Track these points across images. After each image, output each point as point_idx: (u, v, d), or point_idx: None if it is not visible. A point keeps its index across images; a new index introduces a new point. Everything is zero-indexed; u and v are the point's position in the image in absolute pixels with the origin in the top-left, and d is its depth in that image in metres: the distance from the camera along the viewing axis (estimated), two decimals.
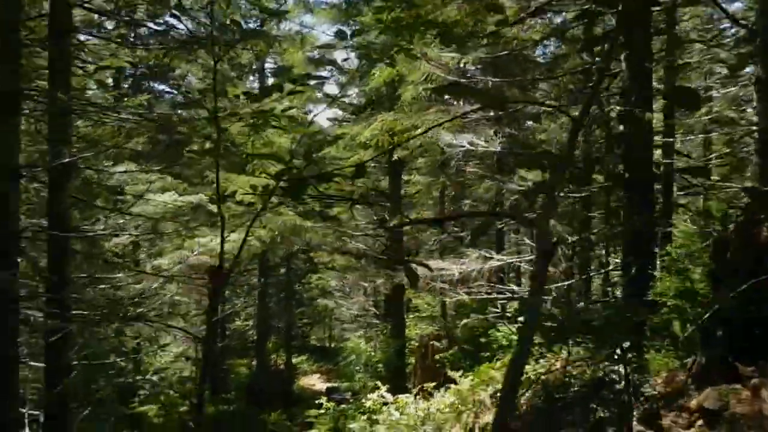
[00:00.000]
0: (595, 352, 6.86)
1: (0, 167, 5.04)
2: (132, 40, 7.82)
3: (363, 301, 25.80)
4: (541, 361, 7.88)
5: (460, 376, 8.12)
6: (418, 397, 9.29)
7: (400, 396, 9.32)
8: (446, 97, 9.84)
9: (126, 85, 14.18)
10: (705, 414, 5.01)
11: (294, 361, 27.23)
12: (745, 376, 5.01)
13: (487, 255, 8.04)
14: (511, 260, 8.06)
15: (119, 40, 7.67)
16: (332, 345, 35.31)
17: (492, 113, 9.32)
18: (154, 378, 17.01)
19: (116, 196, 11.18)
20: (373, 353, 11.38)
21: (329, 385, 26.54)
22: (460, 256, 8.59)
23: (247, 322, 26.57)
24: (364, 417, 9.99)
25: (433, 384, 9.67)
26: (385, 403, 9.77)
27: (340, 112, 20.55)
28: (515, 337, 9.27)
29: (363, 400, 10.55)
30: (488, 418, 6.88)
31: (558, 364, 7.47)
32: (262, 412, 19.85)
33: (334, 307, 25.11)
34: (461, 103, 9.74)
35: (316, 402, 12.93)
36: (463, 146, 9.68)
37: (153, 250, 14.10)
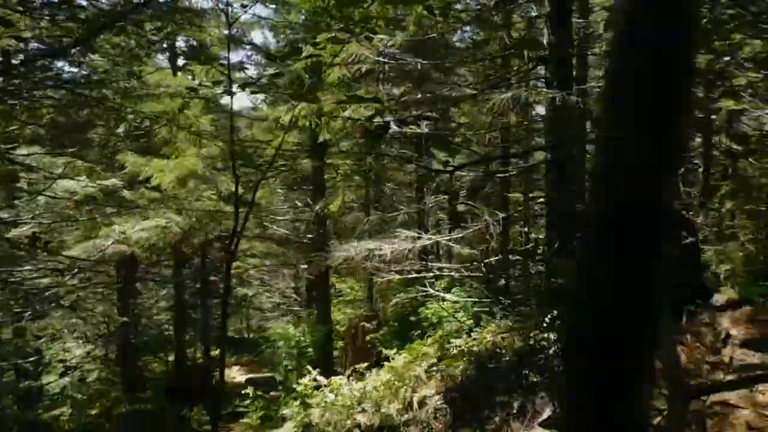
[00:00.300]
0: (521, 323, 7.23)
1: None
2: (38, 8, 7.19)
3: (283, 288, 25.51)
4: (473, 334, 8.19)
5: (394, 354, 8.24)
6: (351, 378, 9.34)
7: (333, 378, 9.32)
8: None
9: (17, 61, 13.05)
10: None
11: (212, 354, 26.50)
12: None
13: (417, 234, 8.17)
14: (440, 239, 8.25)
15: (20, 7, 7.01)
16: (250, 336, 34.67)
17: (419, 96, 9.45)
18: (64, 381, 16.02)
19: (15, 182, 10.37)
20: (302, 338, 11.28)
21: (250, 376, 26.11)
22: (390, 237, 8.67)
23: (160, 317, 25.51)
24: (297, 402, 9.92)
25: (366, 365, 9.75)
26: (318, 387, 9.75)
27: (260, 96, 20.02)
28: (444, 314, 9.53)
29: (294, 385, 10.47)
30: (425, 391, 7.05)
31: (488, 336, 7.78)
32: (182, 408, 19.18)
33: (253, 296, 24.61)
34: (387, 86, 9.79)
35: (243, 393, 12.73)
36: (390, 128, 9.75)
37: (56, 240, 13.20)
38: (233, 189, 13.44)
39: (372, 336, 10.15)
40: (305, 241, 14.76)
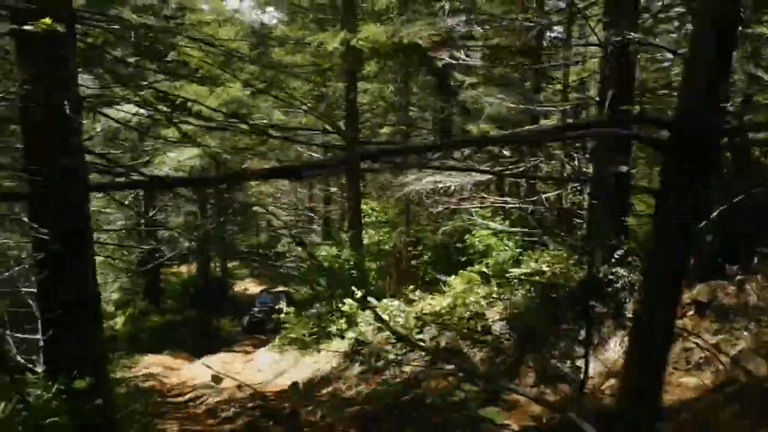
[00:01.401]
0: (583, 254, 7.65)
1: None
2: None
3: (299, 207, 25.94)
4: (524, 263, 8.65)
5: (449, 279, 8.70)
6: (399, 300, 9.87)
7: (384, 300, 9.86)
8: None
9: None
10: (696, 306, 5.90)
11: (229, 267, 27.36)
12: (730, 275, 5.91)
13: (476, 168, 8.40)
14: (500, 173, 8.52)
15: None
16: (260, 250, 35.46)
17: (477, 26, 9.37)
18: None
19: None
20: (346, 261, 11.74)
21: (263, 288, 27.10)
22: (446, 169, 8.89)
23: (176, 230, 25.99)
24: (343, 320, 10.51)
25: (411, 288, 10.28)
26: (367, 308, 10.30)
27: (274, 13, 19.40)
28: (491, 242, 9.96)
29: (339, 305, 11.03)
30: (488, 317, 7.58)
31: (544, 266, 8.24)
32: (209, 318, 20.08)
33: (269, 213, 25.05)
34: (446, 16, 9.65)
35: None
36: (444, 59, 9.76)
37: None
38: (273, 116, 13.47)
39: (416, 261, 10.63)
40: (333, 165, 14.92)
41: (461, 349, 7.40)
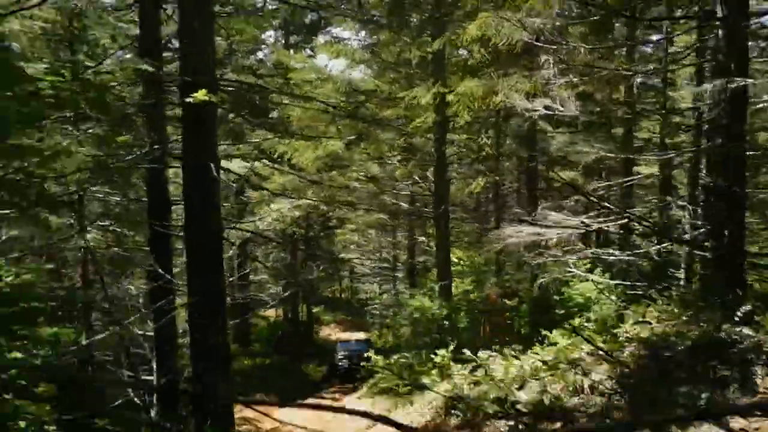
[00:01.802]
0: (698, 310, 7.20)
1: None
2: None
3: (384, 255, 26.17)
4: (630, 318, 8.24)
5: (549, 335, 8.42)
6: (493, 354, 9.62)
7: (480, 353, 9.64)
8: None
9: None
10: None
11: (314, 312, 27.85)
12: None
13: (578, 221, 8.21)
14: (603, 225, 8.28)
15: None
16: (342, 296, 35.90)
17: (575, 79, 9.33)
18: None
19: None
20: (437, 310, 11.64)
21: (344, 335, 27.33)
22: (543, 221, 8.74)
23: (262, 276, 26.87)
24: (435, 372, 10.35)
25: (506, 341, 10.02)
26: (462, 360, 10.11)
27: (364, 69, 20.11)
28: (591, 296, 9.60)
29: (431, 356, 10.90)
30: (595, 375, 7.21)
31: (653, 322, 7.82)
32: (295, 363, 20.42)
33: (354, 260, 25.44)
34: (540, 67, 9.70)
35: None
36: (537, 110, 9.73)
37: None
38: (368, 169, 13.78)
39: (510, 313, 10.38)
40: (426, 212, 15.05)
41: (565, 407, 7.05)
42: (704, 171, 8.53)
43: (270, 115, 11.68)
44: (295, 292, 21.53)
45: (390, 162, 15.41)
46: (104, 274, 6.03)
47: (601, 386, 7.04)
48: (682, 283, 9.68)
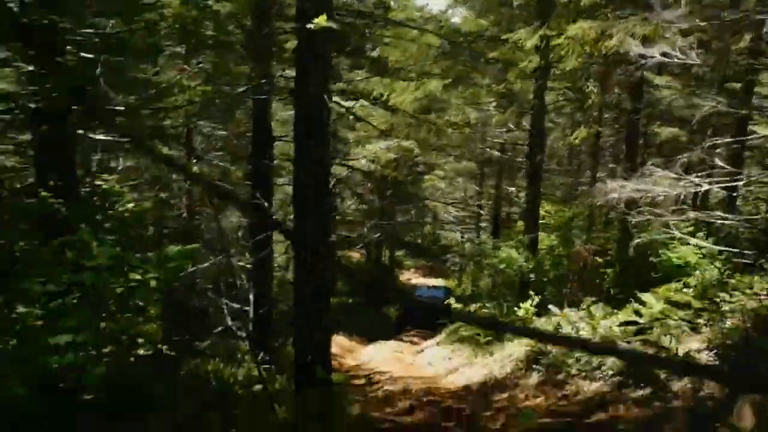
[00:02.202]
0: None
1: None
2: None
3: (469, 204, 25.92)
4: (735, 288, 7.73)
5: (645, 298, 8.08)
6: (581, 312, 9.39)
7: (566, 309, 9.46)
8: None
9: None
10: None
11: (396, 256, 28.29)
12: None
13: (687, 179, 7.65)
14: (716, 186, 7.70)
15: None
16: (424, 242, 36.17)
17: (701, 23, 8.51)
18: None
19: None
20: (524, 263, 11.45)
21: (423, 281, 27.66)
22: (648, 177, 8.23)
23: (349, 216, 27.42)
24: (517, 324, 10.27)
25: (593, 299, 9.73)
26: (539, 313, 9.97)
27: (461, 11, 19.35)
28: (692, 260, 9.08)
29: (513, 309, 10.82)
30: (692, 344, 6.89)
31: (763, 295, 7.30)
32: (377, 305, 21.00)
33: (438, 207, 25.39)
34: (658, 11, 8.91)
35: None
36: (654, 57, 9.01)
37: None
38: (466, 114, 13.43)
39: (603, 270, 10.03)
40: (517, 162, 14.62)
41: (658, 375, 6.81)
42: None
43: (366, 55, 11.54)
44: (381, 235, 21.84)
45: (486, 108, 14.95)
46: (213, 205, 6.32)
47: (698, 356, 6.72)
48: None
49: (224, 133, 8.19)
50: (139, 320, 4.08)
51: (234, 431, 4.98)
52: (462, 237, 28.73)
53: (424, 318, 17.63)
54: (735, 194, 12.27)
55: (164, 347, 4.31)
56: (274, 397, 4.81)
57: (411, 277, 30.90)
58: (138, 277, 3.97)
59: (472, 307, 13.70)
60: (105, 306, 3.83)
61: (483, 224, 25.30)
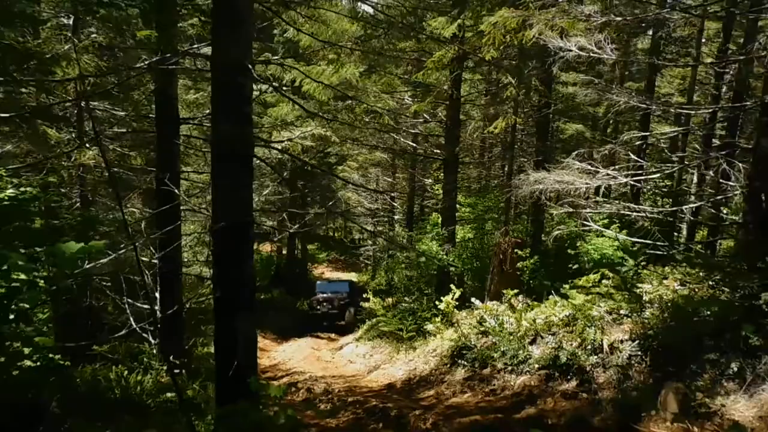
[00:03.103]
0: (731, 276, 6.88)
1: None
2: None
3: (385, 197, 25.72)
4: (647, 279, 7.94)
5: (567, 289, 8.12)
6: (501, 304, 9.35)
7: (488, 303, 9.39)
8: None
9: None
10: None
11: (309, 249, 27.60)
12: None
13: (603, 171, 7.76)
14: (642, 178, 7.85)
15: None
16: (336, 236, 35.68)
17: (617, 18, 8.66)
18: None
19: None
20: (444, 255, 11.30)
21: (335, 276, 27.18)
22: (562, 169, 8.29)
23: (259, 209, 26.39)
24: (439, 319, 10.08)
25: (514, 292, 9.74)
26: (459, 306, 9.82)
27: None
28: (608, 252, 9.28)
29: (435, 302, 10.65)
30: (615, 335, 6.96)
31: (675, 284, 7.52)
32: (292, 300, 20.27)
33: (351, 199, 24.97)
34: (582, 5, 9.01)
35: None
36: (572, 50, 9.09)
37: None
38: (384, 103, 13.08)
39: (521, 264, 10.06)
40: (433, 154, 14.50)
41: (583, 365, 6.83)
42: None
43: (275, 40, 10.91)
44: (295, 226, 21.07)
45: (400, 98, 14.71)
46: (116, 192, 5.54)
47: (621, 346, 6.80)
48: (699, 247, 9.37)
49: (122, 113, 7.31)
50: (23, 327, 3.38)
51: None
52: (375, 230, 28.58)
53: (327, 317, 16.18)
54: (639, 187, 12.85)
55: (56, 356, 3.62)
56: (191, 412, 4.20)
57: (324, 270, 30.35)
58: (23, 276, 3.27)
59: (389, 300, 13.48)
60: None
61: (396, 216, 25.22)
